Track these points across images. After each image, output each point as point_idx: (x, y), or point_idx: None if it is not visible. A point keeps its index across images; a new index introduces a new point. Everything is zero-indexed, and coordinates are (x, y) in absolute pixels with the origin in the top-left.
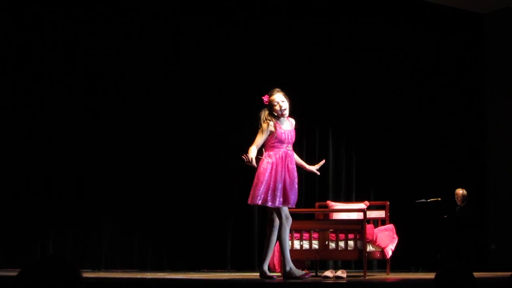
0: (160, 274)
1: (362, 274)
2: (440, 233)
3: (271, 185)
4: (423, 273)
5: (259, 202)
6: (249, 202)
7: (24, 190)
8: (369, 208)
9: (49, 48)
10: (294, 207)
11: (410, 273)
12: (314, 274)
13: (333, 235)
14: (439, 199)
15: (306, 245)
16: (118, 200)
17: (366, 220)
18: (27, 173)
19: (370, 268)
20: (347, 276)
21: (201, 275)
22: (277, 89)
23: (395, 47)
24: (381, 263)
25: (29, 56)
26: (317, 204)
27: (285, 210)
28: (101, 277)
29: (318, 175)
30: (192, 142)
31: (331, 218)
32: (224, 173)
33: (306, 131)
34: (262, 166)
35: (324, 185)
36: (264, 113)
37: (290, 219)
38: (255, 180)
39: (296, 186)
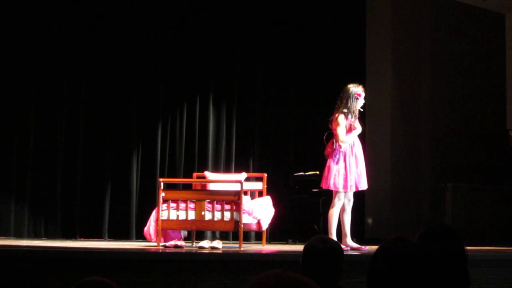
0: (36, 242)
1: (238, 245)
2: (317, 206)
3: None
4: (299, 245)
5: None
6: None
7: None
8: (247, 179)
9: None
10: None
11: (286, 245)
12: (190, 244)
13: (210, 205)
14: (317, 172)
15: (182, 215)
16: None
17: (243, 192)
18: None
19: (247, 239)
20: (223, 247)
21: (77, 244)
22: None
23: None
24: (259, 234)
25: None
26: (194, 174)
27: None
28: None
29: None
30: (68, 109)
31: (208, 188)
32: (102, 141)
33: (187, 95)
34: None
35: (204, 155)
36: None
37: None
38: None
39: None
